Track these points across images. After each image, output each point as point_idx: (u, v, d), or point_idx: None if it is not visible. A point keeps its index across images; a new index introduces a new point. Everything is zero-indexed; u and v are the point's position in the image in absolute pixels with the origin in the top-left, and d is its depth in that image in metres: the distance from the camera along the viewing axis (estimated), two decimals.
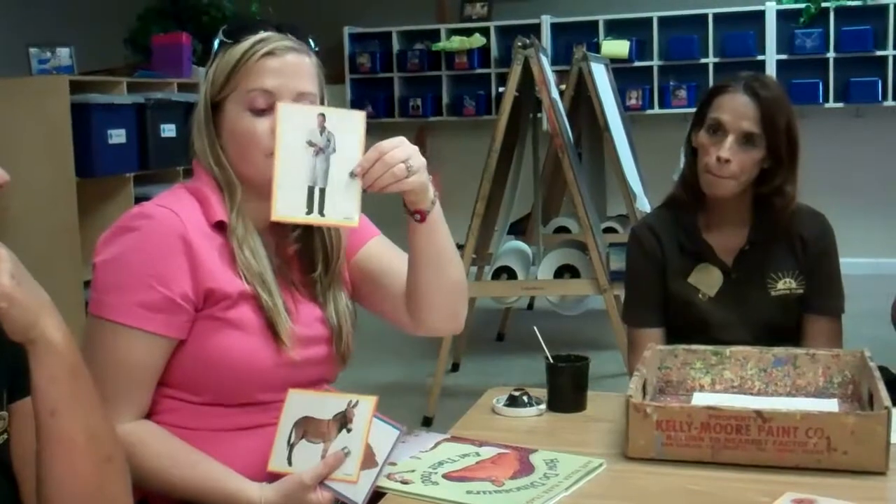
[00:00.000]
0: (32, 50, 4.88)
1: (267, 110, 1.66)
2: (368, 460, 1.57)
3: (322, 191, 1.58)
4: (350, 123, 1.61)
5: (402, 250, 1.88)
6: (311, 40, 1.77)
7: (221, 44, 1.72)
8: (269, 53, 1.68)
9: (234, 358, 1.66)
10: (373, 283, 1.87)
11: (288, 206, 1.58)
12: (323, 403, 1.63)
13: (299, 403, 1.63)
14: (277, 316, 1.68)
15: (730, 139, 2.28)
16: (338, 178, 1.59)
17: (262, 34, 1.70)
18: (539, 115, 5.37)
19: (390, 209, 1.60)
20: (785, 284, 2.38)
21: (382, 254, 1.88)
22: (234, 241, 1.68)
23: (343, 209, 1.60)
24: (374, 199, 1.69)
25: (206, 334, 1.66)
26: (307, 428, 1.61)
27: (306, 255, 1.80)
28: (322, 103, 1.73)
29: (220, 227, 1.70)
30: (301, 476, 1.57)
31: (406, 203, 1.70)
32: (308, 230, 1.78)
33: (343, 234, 1.82)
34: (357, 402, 1.61)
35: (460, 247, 4.79)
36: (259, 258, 1.70)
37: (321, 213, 1.59)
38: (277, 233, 1.78)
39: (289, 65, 1.69)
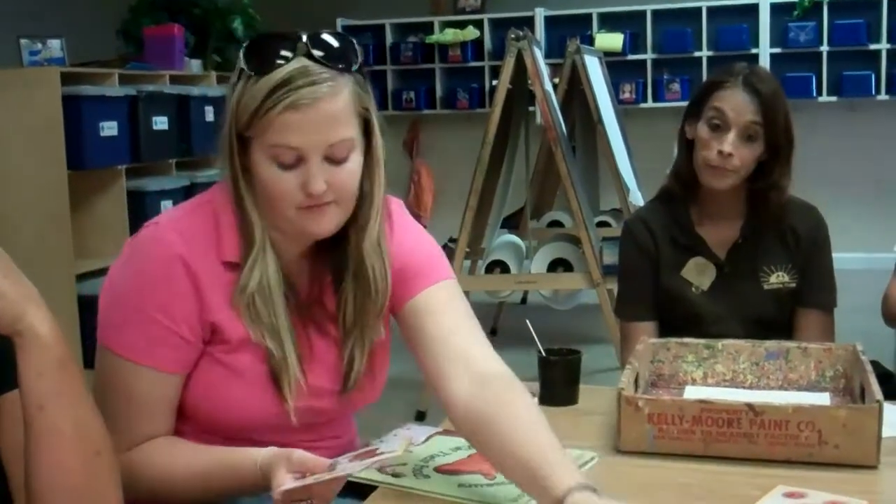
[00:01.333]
0: (23, 41, 4.85)
1: (295, 164, 1.49)
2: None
3: None
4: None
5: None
6: (353, 46, 1.53)
7: (242, 71, 1.50)
8: (292, 107, 1.45)
9: (231, 406, 1.58)
10: (419, 346, 1.64)
11: None
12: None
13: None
14: (285, 371, 1.56)
15: (732, 134, 2.28)
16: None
17: (288, 69, 1.46)
18: (532, 108, 5.37)
19: None
20: (777, 278, 2.38)
21: (440, 317, 1.63)
22: (242, 299, 1.55)
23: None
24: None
25: (205, 375, 1.58)
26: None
27: (339, 285, 1.64)
28: (367, 128, 1.56)
29: (231, 266, 1.57)
30: (292, 451, 1.46)
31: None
32: (345, 254, 1.62)
33: (388, 272, 1.64)
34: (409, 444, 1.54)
35: (454, 240, 4.81)
36: (273, 307, 1.56)
37: None
38: (312, 256, 1.65)
39: (316, 118, 1.46)
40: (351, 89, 1.51)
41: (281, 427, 1.60)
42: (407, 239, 1.71)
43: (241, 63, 1.50)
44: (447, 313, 1.64)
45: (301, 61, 1.47)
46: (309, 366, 1.61)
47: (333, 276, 1.65)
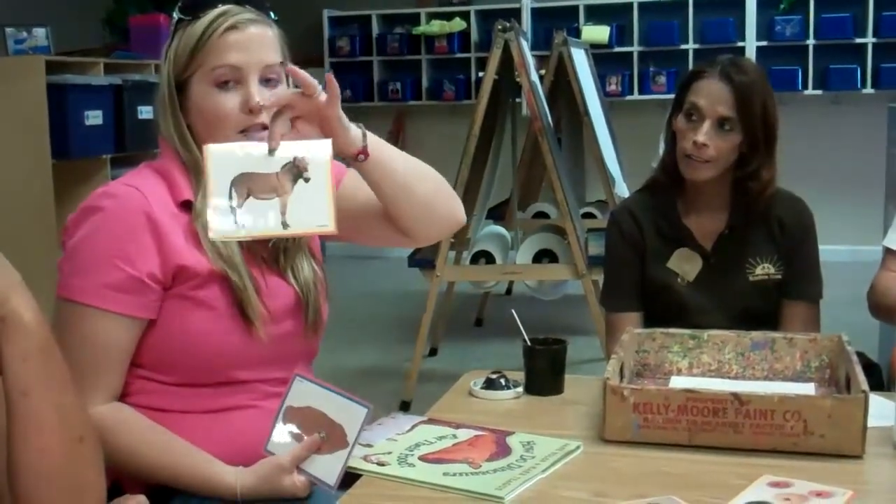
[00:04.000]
0: (9, 30, 4.84)
1: (235, 85, 1.65)
2: (339, 441, 1.56)
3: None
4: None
5: None
6: (270, 12, 1.73)
7: (179, 21, 1.68)
8: (232, 27, 1.64)
9: (204, 338, 1.65)
10: (356, 220, 1.82)
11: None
12: (264, 158, 1.54)
13: (228, 161, 1.54)
14: (247, 298, 1.66)
15: (706, 124, 2.28)
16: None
17: (221, 8, 1.66)
18: (518, 100, 5.36)
19: None
20: (763, 270, 2.38)
21: (358, 189, 1.79)
22: (198, 225, 1.64)
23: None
24: None
25: (175, 314, 1.64)
26: (252, 186, 1.53)
27: None
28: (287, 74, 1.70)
29: (187, 205, 1.67)
30: (279, 459, 1.57)
31: (340, 149, 1.62)
32: None
33: None
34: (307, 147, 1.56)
35: None
36: (228, 243, 1.66)
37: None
38: None
39: (252, 37, 1.66)
40: (276, 31, 1.71)
41: (254, 358, 1.68)
42: None
43: (178, 14, 1.68)
44: (368, 190, 1.75)
45: (230, 5, 1.67)
46: (266, 295, 1.70)
47: None
